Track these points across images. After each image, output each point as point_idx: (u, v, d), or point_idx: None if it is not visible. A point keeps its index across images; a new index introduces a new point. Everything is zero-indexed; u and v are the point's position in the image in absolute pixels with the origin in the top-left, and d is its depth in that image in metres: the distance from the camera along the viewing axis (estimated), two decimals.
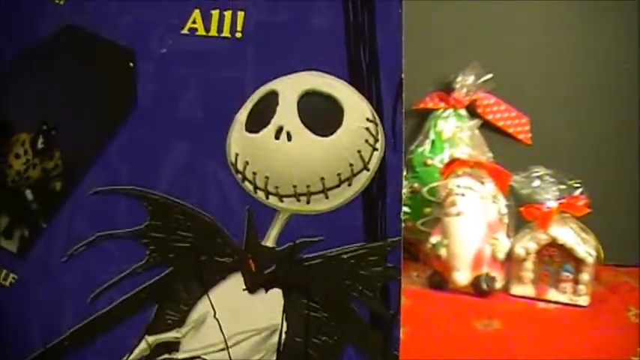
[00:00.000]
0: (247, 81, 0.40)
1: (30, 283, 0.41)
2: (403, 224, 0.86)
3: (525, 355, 0.62)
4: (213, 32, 0.41)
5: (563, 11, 0.93)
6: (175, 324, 0.40)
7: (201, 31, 0.41)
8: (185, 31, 0.41)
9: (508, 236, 0.78)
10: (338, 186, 0.38)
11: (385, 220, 0.39)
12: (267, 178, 0.38)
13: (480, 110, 0.92)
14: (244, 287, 0.39)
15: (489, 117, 0.92)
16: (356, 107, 0.38)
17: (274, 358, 0.38)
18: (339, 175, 0.38)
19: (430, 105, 0.92)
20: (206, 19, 0.41)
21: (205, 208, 0.40)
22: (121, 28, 0.41)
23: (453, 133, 0.87)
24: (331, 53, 0.40)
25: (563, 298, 0.75)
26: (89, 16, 0.42)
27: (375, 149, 0.39)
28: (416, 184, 0.89)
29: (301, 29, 0.40)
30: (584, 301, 0.74)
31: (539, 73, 0.93)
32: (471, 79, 0.89)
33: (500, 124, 0.93)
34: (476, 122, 0.84)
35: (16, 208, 0.41)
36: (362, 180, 0.39)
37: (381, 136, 0.39)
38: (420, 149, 0.90)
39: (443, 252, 0.77)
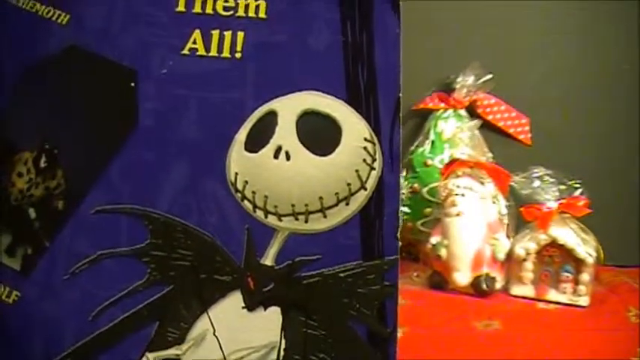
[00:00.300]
0: (246, 101, 0.41)
1: (33, 301, 0.42)
2: (403, 224, 0.87)
3: (525, 355, 0.62)
4: (214, 52, 0.41)
5: (564, 12, 0.92)
6: (176, 341, 0.40)
7: (201, 52, 0.41)
8: (185, 51, 0.41)
9: (508, 237, 0.78)
10: (336, 205, 0.39)
11: (382, 239, 0.40)
12: (266, 197, 0.39)
13: (480, 111, 0.92)
14: (243, 305, 0.40)
15: (489, 117, 0.92)
16: (354, 127, 0.39)
17: None
18: (337, 194, 0.38)
19: (430, 105, 0.92)
20: (206, 40, 0.41)
21: (205, 227, 0.41)
22: (122, 48, 0.42)
23: (453, 134, 0.87)
24: (329, 73, 0.41)
25: (563, 299, 0.75)
26: (91, 36, 0.42)
27: (372, 169, 0.39)
28: (416, 185, 0.89)
29: (300, 49, 0.41)
30: (584, 301, 0.74)
31: (539, 74, 0.93)
32: (471, 79, 0.89)
33: (501, 124, 0.93)
34: (476, 123, 0.84)
35: (19, 227, 0.42)
36: (360, 199, 0.39)
37: (378, 156, 0.39)
38: (420, 149, 0.90)
39: (443, 252, 0.77)
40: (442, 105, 0.91)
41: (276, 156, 0.39)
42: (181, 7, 0.42)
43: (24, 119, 0.42)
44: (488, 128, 0.91)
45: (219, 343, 0.39)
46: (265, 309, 0.40)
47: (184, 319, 0.41)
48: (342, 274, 0.40)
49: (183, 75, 0.41)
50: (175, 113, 0.41)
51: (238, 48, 0.41)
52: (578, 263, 0.74)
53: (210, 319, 0.40)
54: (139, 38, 0.42)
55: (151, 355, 0.39)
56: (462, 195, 0.78)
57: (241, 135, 0.40)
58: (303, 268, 0.40)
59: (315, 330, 0.39)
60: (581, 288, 0.74)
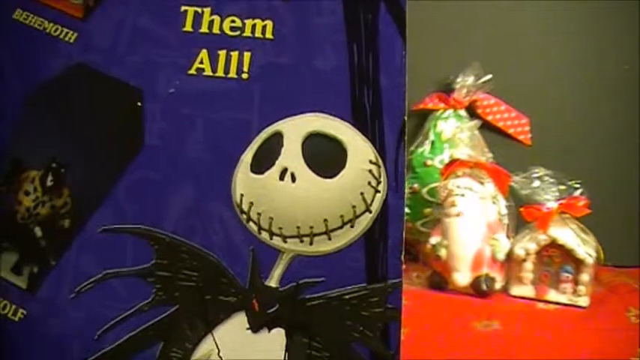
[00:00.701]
0: (253, 122, 0.41)
1: (38, 319, 0.42)
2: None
3: (525, 355, 0.62)
4: (220, 73, 0.41)
5: (564, 12, 0.92)
6: None
7: (208, 72, 0.41)
8: (192, 71, 0.41)
9: (508, 237, 0.78)
10: (340, 227, 0.39)
11: (386, 262, 0.40)
12: (271, 219, 0.39)
13: (479, 111, 0.92)
14: (248, 326, 0.40)
15: (489, 118, 0.92)
16: (359, 149, 0.39)
17: None
18: (341, 216, 0.39)
19: (430, 106, 0.92)
20: (213, 60, 0.41)
21: (210, 247, 0.41)
22: (129, 67, 0.42)
23: (452, 134, 0.87)
24: (335, 95, 0.40)
25: (563, 299, 0.75)
26: (98, 54, 0.42)
27: (377, 191, 0.39)
28: (416, 185, 0.89)
29: (306, 71, 0.41)
30: (583, 301, 0.74)
31: (539, 74, 0.93)
32: (470, 79, 0.89)
33: (500, 124, 0.93)
34: (476, 123, 0.84)
35: (26, 245, 0.42)
36: (364, 222, 0.39)
37: (383, 179, 0.39)
38: (419, 150, 0.90)
39: (443, 252, 0.77)
40: (442, 105, 0.91)
41: (281, 178, 0.39)
42: (188, 27, 0.42)
43: (31, 137, 0.43)
44: (488, 128, 0.91)
45: None
46: (269, 330, 0.40)
47: (189, 340, 0.41)
48: (346, 297, 0.40)
49: (189, 95, 0.41)
50: (182, 133, 0.41)
51: (245, 69, 0.41)
52: (578, 263, 0.74)
53: (214, 340, 0.40)
54: (146, 57, 0.42)
55: None
56: (462, 195, 0.78)
57: (247, 156, 0.40)
58: (308, 290, 0.40)
59: (318, 352, 0.39)
60: (581, 288, 0.74)
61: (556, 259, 0.76)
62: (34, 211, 0.42)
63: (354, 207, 0.39)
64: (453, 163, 0.81)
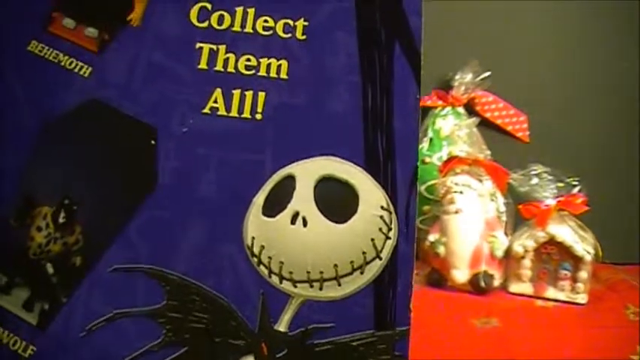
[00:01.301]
0: (266, 163, 0.41)
1: (48, 356, 0.41)
2: None
3: (524, 352, 0.62)
4: (234, 112, 0.41)
5: (562, 8, 0.92)
6: None
7: (222, 111, 0.41)
8: (206, 110, 0.41)
9: (506, 234, 0.78)
10: (350, 274, 0.39)
11: (395, 309, 0.40)
12: (281, 263, 0.38)
13: (478, 108, 0.92)
14: None
15: (487, 115, 0.92)
16: (371, 195, 0.38)
17: None
18: (352, 262, 0.38)
19: (428, 103, 0.91)
20: (227, 99, 0.41)
21: (221, 290, 0.40)
22: (143, 104, 0.41)
23: (451, 131, 0.87)
24: (348, 138, 0.40)
25: (561, 296, 0.75)
26: (113, 90, 0.42)
27: (388, 238, 0.39)
28: None
29: (319, 113, 0.40)
30: (582, 299, 0.74)
31: (538, 71, 0.93)
32: (469, 77, 0.89)
33: (499, 121, 0.93)
34: (474, 120, 0.84)
35: (37, 281, 0.42)
36: (374, 269, 0.39)
37: (394, 225, 0.39)
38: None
39: (441, 250, 0.77)
40: (440, 102, 0.91)
41: (293, 222, 0.39)
42: (203, 65, 0.41)
43: (44, 173, 0.42)
44: (486, 126, 0.91)
45: None
46: None
47: None
48: (354, 343, 0.39)
49: (203, 134, 0.41)
50: (195, 173, 0.41)
51: (259, 109, 0.41)
52: (577, 261, 0.74)
53: None
54: (161, 95, 0.41)
55: None
56: (461, 192, 0.78)
57: (259, 198, 0.40)
58: (316, 336, 0.40)
59: None
60: (580, 285, 0.74)
61: (554, 257, 0.76)
62: (45, 247, 0.41)
63: (364, 253, 0.39)
64: (452, 160, 0.81)
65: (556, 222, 0.75)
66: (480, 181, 0.79)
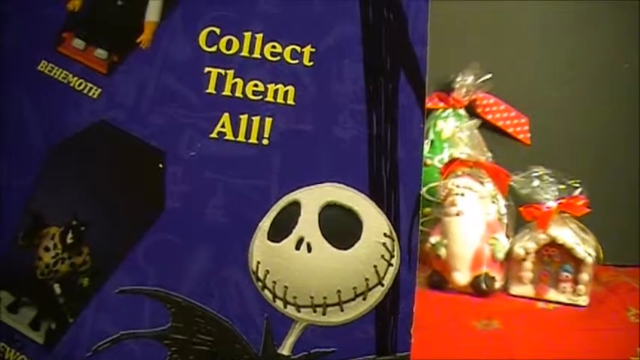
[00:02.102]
0: (272, 189, 0.41)
1: None
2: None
3: (525, 355, 0.62)
4: (241, 138, 0.41)
5: (563, 11, 0.92)
6: None
7: (229, 136, 0.41)
8: (214, 134, 0.41)
9: (507, 236, 0.78)
10: (353, 299, 0.39)
11: (396, 335, 0.40)
12: (286, 287, 0.39)
13: (479, 110, 0.92)
14: None
15: (489, 117, 0.92)
16: (375, 222, 0.39)
17: None
18: (354, 288, 0.39)
19: (430, 105, 0.92)
20: (235, 124, 0.41)
21: (225, 313, 0.41)
22: (152, 127, 0.42)
23: (452, 133, 0.87)
24: (353, 165, 0.40)
25: (562, 298, 0.75)
26: (121, 112, 0.42)
27: (390, 265, 0.39)
28: None
29: (325, 139, 0.41)
30: (583, 301, 0.74)
31: (539, 74, 0.92)
32: (470, 79, 0.89)
33: (500, 124, 0.92)
34: (475, 122, 0.84)
35: (44, 301, 0.42)
36: (376, 295, 0.40)
37: (396, 252, 0.39)
38: None
39: (442, 252, 0.77)
40: (441, 104, 0.91)
41: (297, 247, 0.39)
42: (211, 89, 0.42)
43: (53, 193, 0.42)
44: (487, 128, 0.91)
45: None
46: None
47: None
48: None
49: (211, 158, 0.41)
50: (202, 197, 0.41)
51: (266, 134, 0.41)
52: (578, 263, 0.74)
53: None
54: (169, 118, 0.42)
55: None
56: (462, 194, 0.78)
57: (265, 224, 0.40)
58: None
59: None
60: (581, 288, 0.74)
61: (556, 259, 0.76)
62: (53, 267, 0.42)
63: (367, 279, 0.39)
64: (453, 162, 0.81)
65: (557, 224, 0.75)
66: (481, 183, 0.79)
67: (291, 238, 0.39)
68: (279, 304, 0.39)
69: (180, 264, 0.41)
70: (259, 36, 0.41)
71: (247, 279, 0.40)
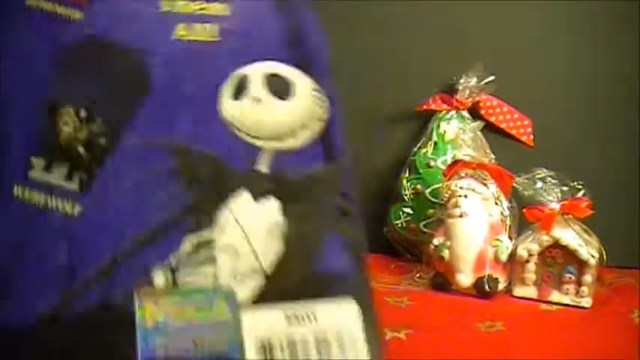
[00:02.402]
0: (227, 68, 0.49)
1: (93, 212, 0.47)
2: (406, 225, 0.87)
3: (528, 356, 0.62)
4: (198, 37, 0.50)
5: (566, 12, 0.92)
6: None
7: (188, 37, 0.50)
8: (175, 37, 0.50)
9: (510, 238, 0.79)
10: (302, 129, 0.47)
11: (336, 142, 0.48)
12: (249, 128, 0.46)
13: (482, 112, 0.92)
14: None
15: (492, 119, 0.92)
16: (305, 82, 0.47)
17: None
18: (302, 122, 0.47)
19: (433, 107, 0.92)
20: (189, 29, 0.50)
21: (215, 150, 0.47)
22: (129, 35, 0.49)
23: (455, 135, 0.87)
24: (278, 51, 0.50)
25: (565, 300, 0.75)
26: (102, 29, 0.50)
27: (322, 107, 0.47)
28: (419, 186, 0.89)
29: (258, 35, 0.51)
30: (586, 302, 0.74)
31: (542, 75, 0.93)
32: (473, 81, 0.89)
33: (503, 125, 0.93)
34: (478, 124, 0.84)
35: (73, 159, 0.48)
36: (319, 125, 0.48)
37: (324, 99, 0.48)
38: (422, 151, 0.91)
39: (446, 253, 0.77)
40: (445, 106, 0.91)
41: (253, 101, 0.47)
42: (165, 8, 0.51)
43: (64, 83, 0.49)
44: (490, 130, 0.91)
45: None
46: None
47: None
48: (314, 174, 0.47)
49: (181, 52, 0.49)
50: (180, 78, 0.48)
51: (215, 34, 0.51)
52: (581, 264, 0.74)
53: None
54: (139, 29, 0.50)
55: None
56: (465, 196, 0.78)
57: (227, 90, 0.48)
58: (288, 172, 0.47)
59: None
60: (584, 289, 0.74)
61: (559, 260, 0.76)
62: (74, 134, 0.48)
63: (310, 116, 0.48)
64: (456, 164, 0.81)
65: (560, 226, 0.76)
66: (485, 184, 0.79)
67: (248, 97, 0.47)
68: (249, 139, 0.46)
69: (172, 123, 0.48)
70: None
71: (223, 127, 0.47)
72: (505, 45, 0.92)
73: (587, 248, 0.74)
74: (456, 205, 0.78)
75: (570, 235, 0.75)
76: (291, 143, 0.45)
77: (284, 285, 0.40)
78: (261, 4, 0.52)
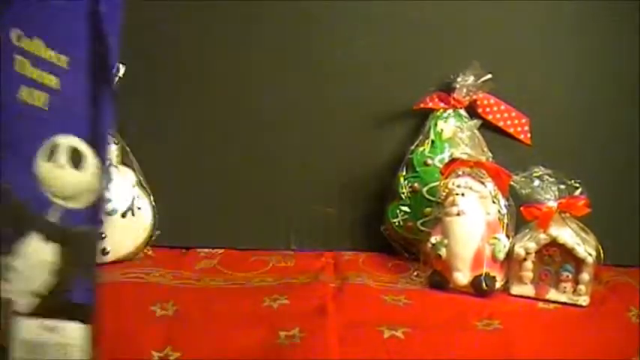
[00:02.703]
0: (48, 134, 0.53)
1: None
2: (403, 224, 0.87)
3: (525, 354, 0.62)
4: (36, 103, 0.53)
5: (564, 11, 0.92)
6: None
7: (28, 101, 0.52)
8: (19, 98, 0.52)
9: (508, 236, 0.79)
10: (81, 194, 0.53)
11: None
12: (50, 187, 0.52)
13: (479, 110, 0.92)
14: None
15: (489, 117, 0.92)
16: (94, 161, 0.53)
17: None
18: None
19: (430, 105, 0.92)
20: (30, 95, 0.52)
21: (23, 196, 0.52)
22: None
23: (452, 133, 0.87)
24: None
25: (563, 298, 0.75)
26: None
27: (99, 182, 0.53)
28: (416, 184, 0.89)
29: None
30: (584, 301, 0.74)
31: (539, 74, 0.93)
32: (470, 79, 0.89)
33: (500, 124, 0.92)
34: (475, 122, 0.84)
35: None
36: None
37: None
38: (420, 149, 0.90)
39: (443, 252, 0.77)
40: (442, 105, 0.91)
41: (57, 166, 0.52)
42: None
43: None
44: (488, 128, 0.91)
45: None
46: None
47: None
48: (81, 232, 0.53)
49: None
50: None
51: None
52: (578, 263, 0.74)
53: None
54: None
55: None
56: (462, 194, 0.78)
57: (43, 153, 0.52)
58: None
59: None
60: (581, 287, 0.74)
61: (556, 259, 0.76)
62: None
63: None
64: (454, 162, 0.81)
65: (558, 224, 0.76)
66: (482, 183, 0.79)
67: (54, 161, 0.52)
68: (48, 194, 0.52)
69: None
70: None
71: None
72: (502, 43, 0.92)
73: (585, 246, 0.74)
74: (453, 204, 0.78)
75: (567, 234, 0.75)
76: (74, 204, 0.53)
77: (50, 306, 0.51)
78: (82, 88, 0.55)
